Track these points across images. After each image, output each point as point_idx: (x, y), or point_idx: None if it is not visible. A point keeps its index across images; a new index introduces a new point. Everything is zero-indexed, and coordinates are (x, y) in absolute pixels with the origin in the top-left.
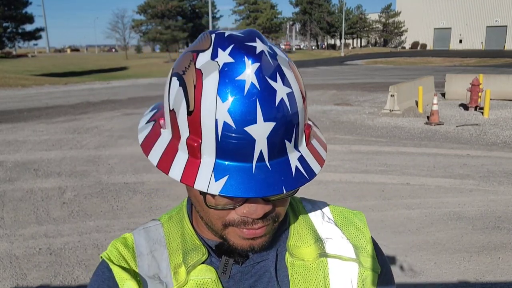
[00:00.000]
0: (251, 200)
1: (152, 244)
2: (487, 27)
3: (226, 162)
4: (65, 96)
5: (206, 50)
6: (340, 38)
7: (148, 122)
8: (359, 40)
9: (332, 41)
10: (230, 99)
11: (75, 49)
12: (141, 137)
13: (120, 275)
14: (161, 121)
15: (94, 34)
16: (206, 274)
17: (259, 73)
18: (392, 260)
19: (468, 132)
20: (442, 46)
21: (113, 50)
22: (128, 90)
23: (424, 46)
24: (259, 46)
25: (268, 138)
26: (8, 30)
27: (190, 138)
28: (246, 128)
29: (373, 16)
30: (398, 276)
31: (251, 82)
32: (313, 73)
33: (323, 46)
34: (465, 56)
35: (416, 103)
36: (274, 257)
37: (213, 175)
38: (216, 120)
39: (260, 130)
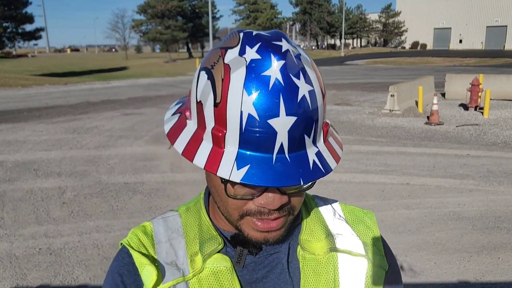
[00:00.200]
0: (269, 190)
1: (170, 233)
2: (487, 27)
3: (248, 152)
4: (65, 96)
5: (235, 47)
6: (340, 38)
7: (173, 114)
8: (359, 40)
9: (332, 41)
10: (255, 93)
11: (75, 49)
12: (167, 127)
13: (139, 260)
14: (187, 113)
15: (94, 34)
16: (221, 263)
17: (284, 70)
18: None
19: (468, 132)
20: (442, 46)
21: (113, 50)
22: (128, 90)
23: (424, 46)
24: (284, 45)
25: (289, 131)
26: (8, 30)
27: (215, 129)
28: (269, 121)
29: (373, 16)
30: None
31: (276, 78)
32: None
33: (323, 46)
34: (465, 56)
35: (416, 103)
36: (286, 250)
37: (235, 163)
38: (241, 112)
39: (282, 124)
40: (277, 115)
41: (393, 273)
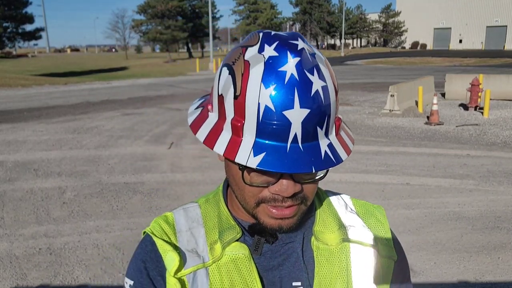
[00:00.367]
0: (284, 177)
1: (191, 223)
2: (487, 27)
3: (265, 141)
4: (65, 96)
5: (254, 45)
6: (340, 38)
7: (196, 108)
8: (359, 40)
9: (332, 41)
10: (272, 86)
11: (75, 49)
12: (191, 119)
13: (163, 247)
14: (209, 106)
15: (94, 34)
16: (239, 250)
17: (299, 66)
18: None
19: (468, 132)
20: (442, 46)
21: (113, 50)
22: (128, 90)
23: (424, 46)
24: (300, 44)
25: (302, 122)
26: (8, 30)
27: (235, 119)
28: (284, 112)
29: (373, 16)
30: None
31: (291, 73)
32: None
33: (323, 46)
34: (465, 56)
35: (416, 103)
36: (301, 240)
37: (252, 151)
38: (258, 104)
39: (296, 115)
40: (291, 107)
41: (401, 262)
